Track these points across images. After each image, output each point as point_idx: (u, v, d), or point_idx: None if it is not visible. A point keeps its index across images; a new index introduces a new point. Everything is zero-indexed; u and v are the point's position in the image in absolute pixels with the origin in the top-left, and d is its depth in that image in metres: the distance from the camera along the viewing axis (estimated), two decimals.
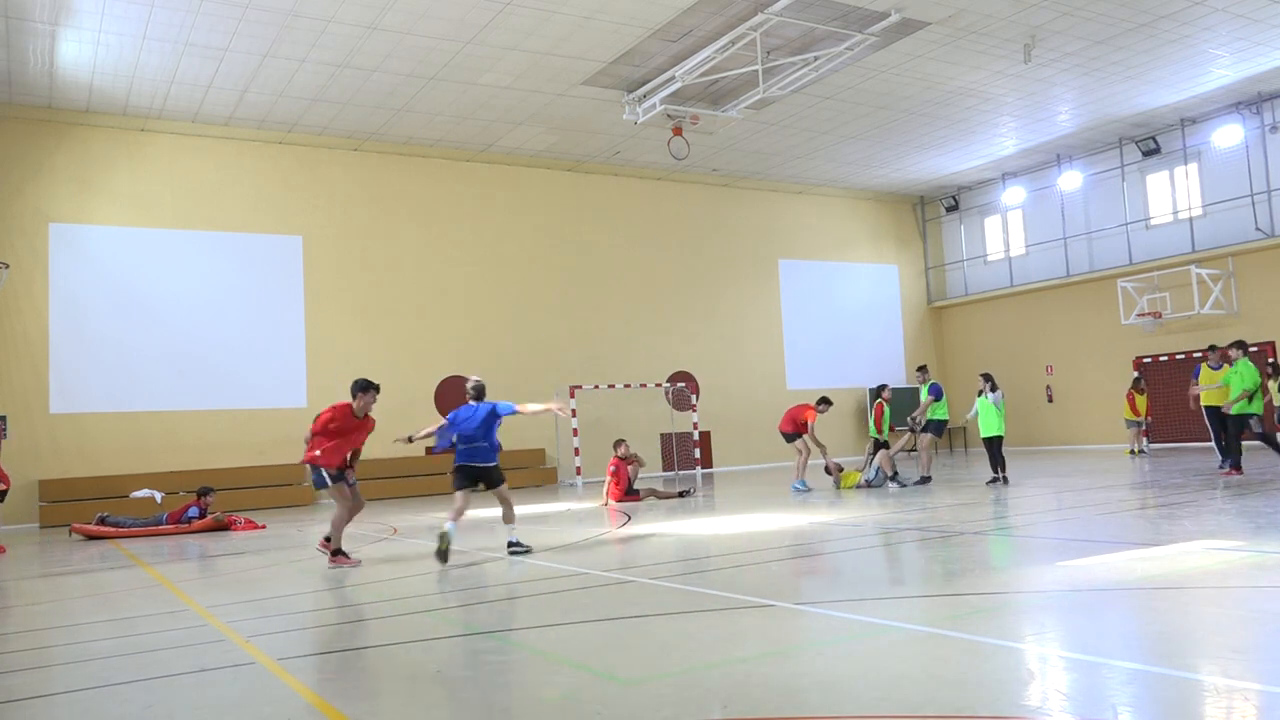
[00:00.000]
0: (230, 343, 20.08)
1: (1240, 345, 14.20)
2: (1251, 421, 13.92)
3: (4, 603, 8.72)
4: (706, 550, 9.50)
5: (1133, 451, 21.01)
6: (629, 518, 12.97)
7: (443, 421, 9.72)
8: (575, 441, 22.06)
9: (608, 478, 15.90)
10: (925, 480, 15.72)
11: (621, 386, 23.34)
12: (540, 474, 22.55)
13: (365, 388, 9.34)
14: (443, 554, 8.83)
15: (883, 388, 16.38)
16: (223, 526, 14.81)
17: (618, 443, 15.88)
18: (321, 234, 21.23)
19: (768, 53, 17.27)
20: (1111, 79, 20.02)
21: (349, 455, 9.39)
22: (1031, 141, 24.42)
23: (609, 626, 5.84)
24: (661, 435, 24.37)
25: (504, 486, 9.54)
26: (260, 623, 6.68)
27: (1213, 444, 15.78)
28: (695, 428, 24.07)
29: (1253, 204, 22.14)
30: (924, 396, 15.86)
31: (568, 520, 13.28)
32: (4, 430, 17.41)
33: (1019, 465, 19.15)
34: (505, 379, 20.59)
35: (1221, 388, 14.33)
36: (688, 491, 16.65)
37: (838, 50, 17.05)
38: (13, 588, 9.69)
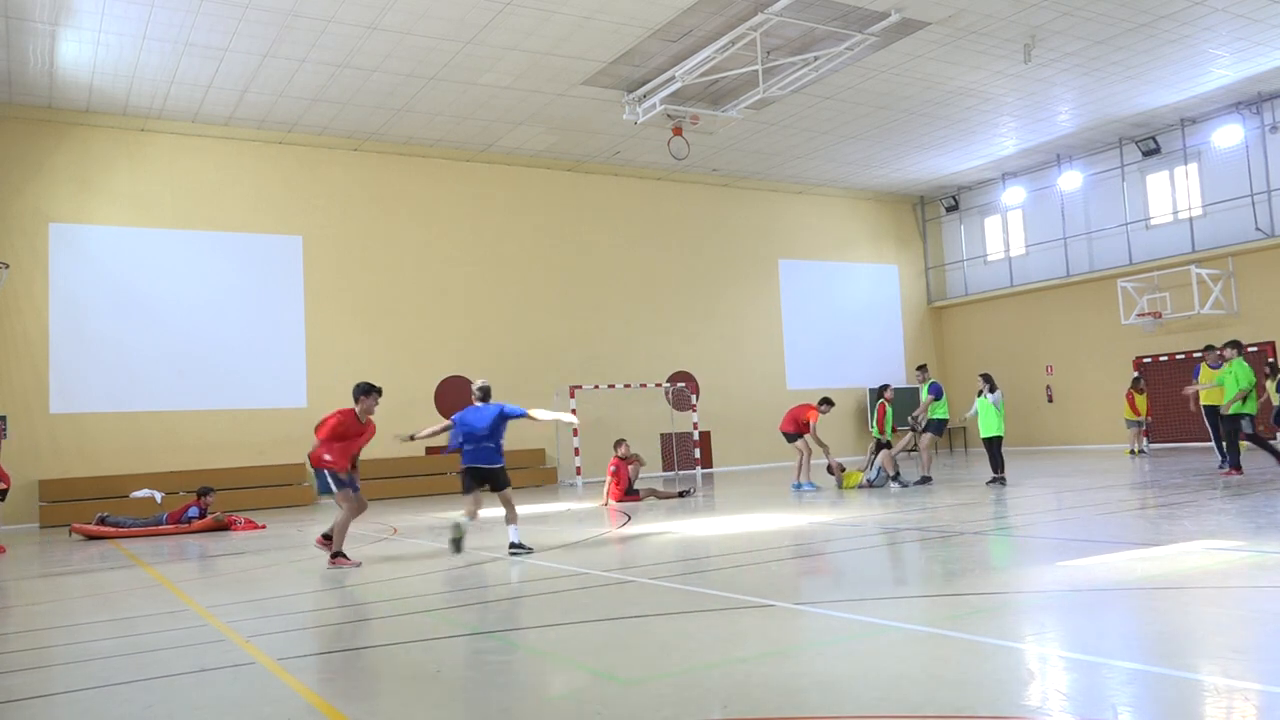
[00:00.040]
0: (230, 343, 20.08)
1: (1235, 345, 14.19)
2: (1243, 421, 13.89)
3: (4, 603, 8.72)
4: (706, 550, 9.50)
5: (1133, 451, 21.01)
6: (629, 518, 12.97)
7: (447, 422, 9.84)
8: (575, 441, 22.06)
9: (608, 478, 15.91)
10: (926, 480, 15.73)
11: (621, 386, 23.34)
12: (540, 474, 22.55)
13: (368, 391, 9.39)
14: (457, 543, 9.14)
15: (885, 388, 16.38)
16: (223, 526, 14.82)
17: (618, 443, 15.88)
18: (321, 234, 21.23)
19: (768, 53, 17.27)
20: (1111, 79, 20.02)
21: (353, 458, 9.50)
22: (1031, 141, 24.42)
23: (609, 626, 5.84)
24: (661, 435, 24.38)
25: (509, 490, 9.70)
26: (260, 623, 6.68)
27: (1213, 444, 15.78)
28: (695, 428, 24.07)
29: (1253, 204, 22.13)
30: (924, 396, 15.87)
31: (568, 520, 13.28)
32: (4, 430, 17.41)
33: (1019, 465, 19.15)
34: (505, 379, 20.55)
35: (1219, 387, 14.32)
36: (688, 491, 16.65)
37: (838, 50, 17.05)
38: (13, 588, 9.69)
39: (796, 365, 27.02)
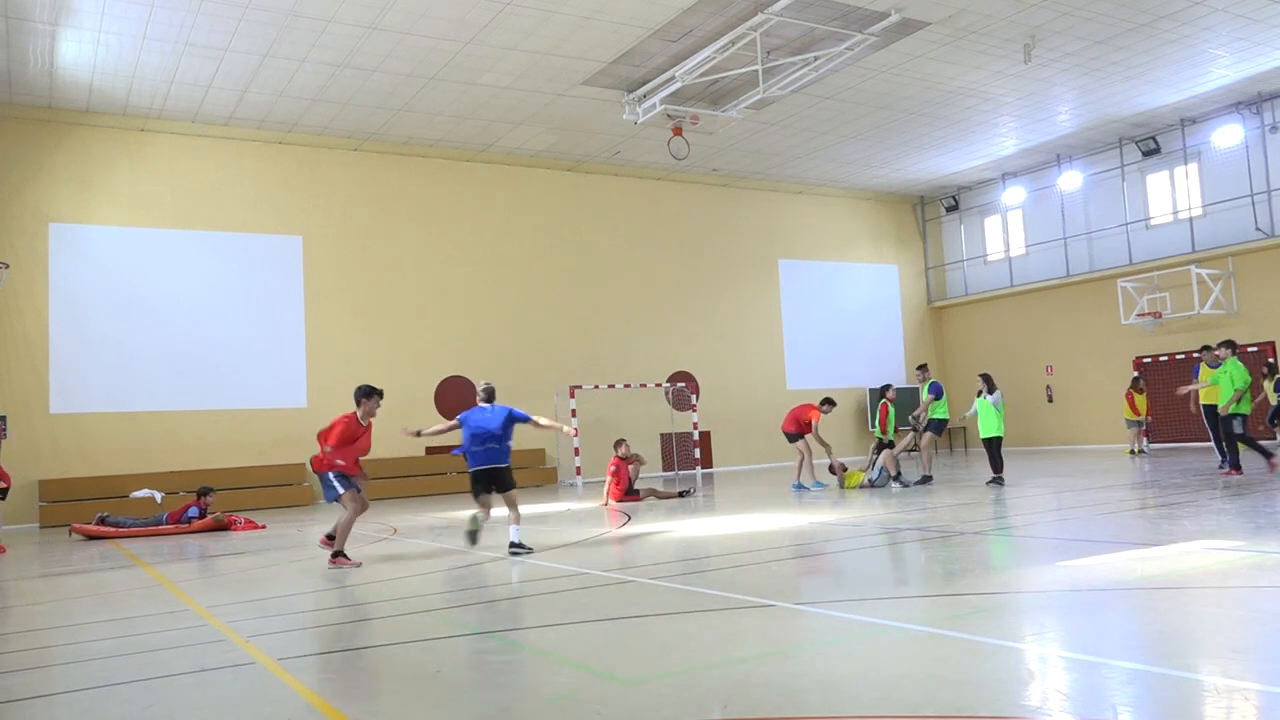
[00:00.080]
0: (230, 343, 20.08)
1: (1229, 345, 14.17)
2: (1235, 421, 13.87)
3: (4, 603, 8.72)
4: (706, 550, 9.50)
5: (1133, 451, 21.01)
6: (629, 518, 12.97)
7: (453, 422, 9.97)
8: (575, 442, 22.06)
9: (608, 478, 15.91)
10: (926, 479, 15.73)
11: (621, 386, 23.33)
12: (540, 474, 22.54)
13: (369, 393, 9.49)
14: (473, 535, 9.47)
15: (887, 388, 16.38)
16: (223, 526, 14.82)
17: (618, 443, 15.88)
18: (321, 234, 21.23)
19: (768, 53, 17.27)
20: (1111, 79, 20.02)
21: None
22: (1031, 141, 24.42)
23: (609, 626, 5.84)
24: (661, 435, 24.37)
25: (514, 491, 9.78)
26: (260, 623, 6.69)
27: (1212, 444, 15.77)
28: (695, 428, 24.06)
29: (1253, 204, 22.13)
30: (924, 396, 15.87)
31: (568, 520, 13.28)
32: (4, 430, 17.41)
33: (1019, 465, 19.16)
34: (505, 379, 20.51)
35: (1218, 387, 14.31)
36: (688, 491, 16.65)
37: (838, 50, 17.05)
38: (13, 588, 9.69)
39: (796, 365, 27.02)
